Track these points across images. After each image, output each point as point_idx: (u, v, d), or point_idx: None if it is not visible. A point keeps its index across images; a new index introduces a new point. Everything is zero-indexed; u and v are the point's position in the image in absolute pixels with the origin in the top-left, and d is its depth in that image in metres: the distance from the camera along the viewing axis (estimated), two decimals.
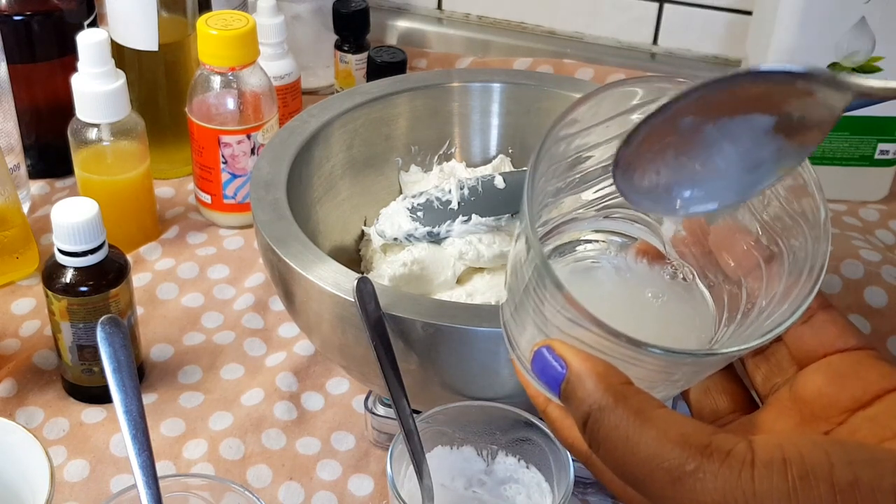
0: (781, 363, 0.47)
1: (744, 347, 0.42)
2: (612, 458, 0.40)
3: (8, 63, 0.82)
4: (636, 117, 0.43)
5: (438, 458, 0.57)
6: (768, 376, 0.47)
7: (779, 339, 0.47)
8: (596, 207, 0.50)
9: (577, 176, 0.47)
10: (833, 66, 0.80)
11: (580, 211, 0.50)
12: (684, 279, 0.49)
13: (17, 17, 0.83)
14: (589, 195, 0.49)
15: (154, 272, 0.81)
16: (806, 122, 0.39)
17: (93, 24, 0.88)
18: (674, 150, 0.39)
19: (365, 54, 0.97)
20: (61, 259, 0.66)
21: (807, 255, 0.43)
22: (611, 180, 0.42)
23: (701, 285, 0.49)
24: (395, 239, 0.70)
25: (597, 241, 0.52)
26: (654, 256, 0.50)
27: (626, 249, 0.51)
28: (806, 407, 0.44)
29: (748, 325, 0.45)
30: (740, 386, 0.48)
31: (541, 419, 0.55)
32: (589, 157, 0.46)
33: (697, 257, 0.49)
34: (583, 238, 0.52)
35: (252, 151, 0.82)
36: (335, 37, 0.99)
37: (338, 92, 0.99)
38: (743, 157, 0.40)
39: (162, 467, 0.64)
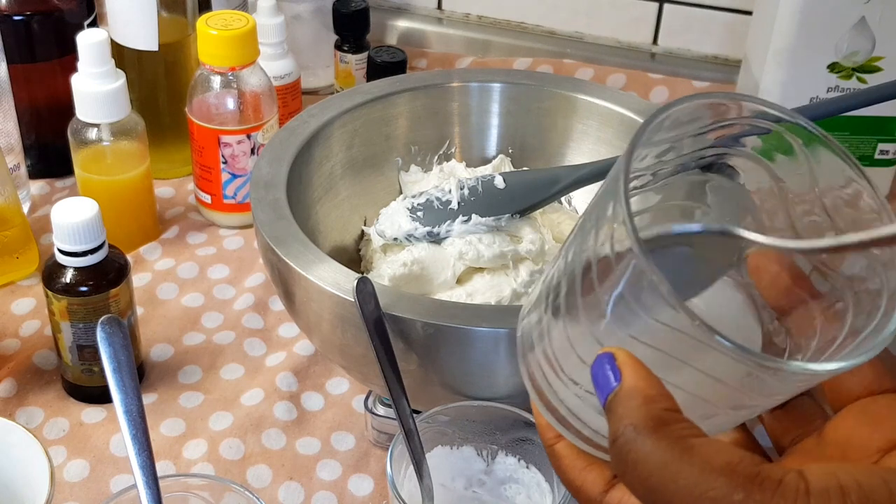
0: (805, 414, 0.45)
1: (843, 365, 0.38)
2: (644, 486, 0.37)
3: (8, 63, 0.82)
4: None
5: (438, 458, 0.57)
6: (788, 428, 0.46)
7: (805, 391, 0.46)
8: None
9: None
10: (833, 65, 0.80)
11: None
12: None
13: (17, 17, 0.83)
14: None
15: (154, 272, 0.81)
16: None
17: (93, 24, 0.88)
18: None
19: (365, 54, 0.97)
20: (61, 259, 0.66)
21: (879, 308, 0.40)
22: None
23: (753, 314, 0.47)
24: (395, 239, 0.70)
25: None
26: None
27: None
28: (835, 449, 0.43)
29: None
30: (752, 440, 0.47)
31: None
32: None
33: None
34: None
35: (252, 151, 0.82)
36: (335, 37, 0.99)
37: (338, 92, 0.99)
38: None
39: (162, 467, 0.64)
